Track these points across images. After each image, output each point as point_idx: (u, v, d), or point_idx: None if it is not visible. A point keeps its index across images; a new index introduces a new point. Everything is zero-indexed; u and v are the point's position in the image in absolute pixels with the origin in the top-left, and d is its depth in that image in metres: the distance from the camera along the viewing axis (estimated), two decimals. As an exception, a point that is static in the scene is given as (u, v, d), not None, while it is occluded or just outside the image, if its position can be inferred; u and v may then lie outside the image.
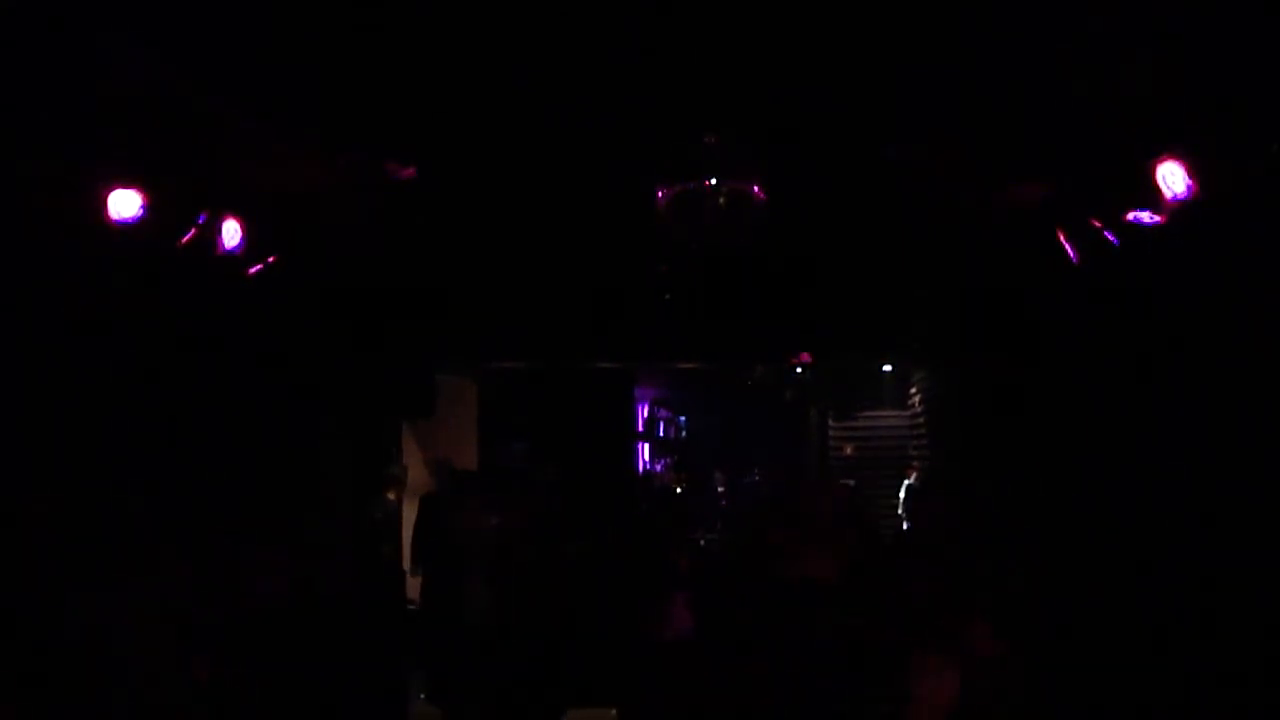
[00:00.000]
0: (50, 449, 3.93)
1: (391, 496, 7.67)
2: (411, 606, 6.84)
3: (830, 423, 10.94)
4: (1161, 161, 3.73)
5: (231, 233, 4.57)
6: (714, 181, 4.51)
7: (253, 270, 4.88)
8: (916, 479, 9.34)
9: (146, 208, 4.04)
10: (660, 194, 4.58)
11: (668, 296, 6.80)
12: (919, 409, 9.50)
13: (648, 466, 14.48)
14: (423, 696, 5.87)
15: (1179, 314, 4.17)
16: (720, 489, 14.02)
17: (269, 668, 4.18)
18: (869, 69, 3.80)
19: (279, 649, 4.22)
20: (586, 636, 4.90)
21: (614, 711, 4.93)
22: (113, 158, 3.93)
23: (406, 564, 7.37)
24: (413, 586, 7.21)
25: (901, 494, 9.64)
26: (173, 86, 3.65)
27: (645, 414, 14.79)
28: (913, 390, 9.78)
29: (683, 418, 17.93)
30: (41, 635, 3.58)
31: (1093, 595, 4.47)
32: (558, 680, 4.49)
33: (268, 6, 3.37)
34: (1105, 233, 4.24)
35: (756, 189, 4.57)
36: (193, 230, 4.38)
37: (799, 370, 10.68)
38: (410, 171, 4.71)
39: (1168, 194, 3.72)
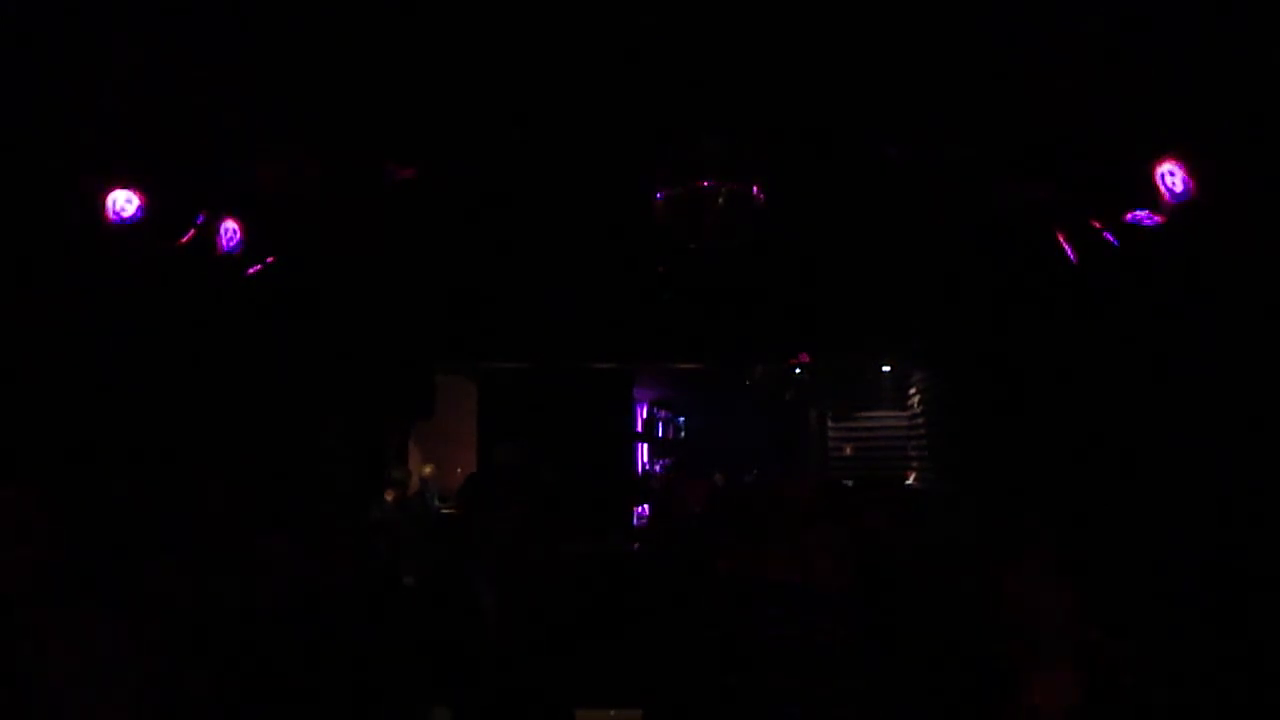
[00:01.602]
0: (49, 450, 3.93)
1: (389, 498, 7.70)
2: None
3: (830, 423, 10.93)
4: (1161, 162, 3.73)
5: (231, 233, 4.58)
6: (713, 181, 4.51)
7: (252, 270, 4.88)
8: (915, 480, 9.35)
9: (146, 208, 4.04)
10: (660, 194, 4.58)
11: (668, 296, 6.80)
12: (918, 409, 9.51)
13: (647, 466, 14.49)
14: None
15: (1179, 314, 4.17)
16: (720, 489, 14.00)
17: (270, 670, 4.17)
18: (870, 69, 3.81)
19: (280, 651, 4.22)
20: (608, 636, 4.90)
21: (612, 713, 4.92)
22: (113, 158, 3.94)
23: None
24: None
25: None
26: (175, 87, 3.65)
27: (645, 414, 14.80)
28: (912, 390, 9.78)
29: (682, 418, 17.94)
30: (38, 638, 3.57)
31: (1094, 595, 4.47)
32: (567, 681, 4.50)
33: (268, 7, 3.37)
34: (1105, 233, 4.24)
35: (756, 189, 4.57)
36: (192, 230, 4.38)
37: (799, 370, 10.69)
38: (410, 172, 4.71)
39: (1167, 194, 3.73)
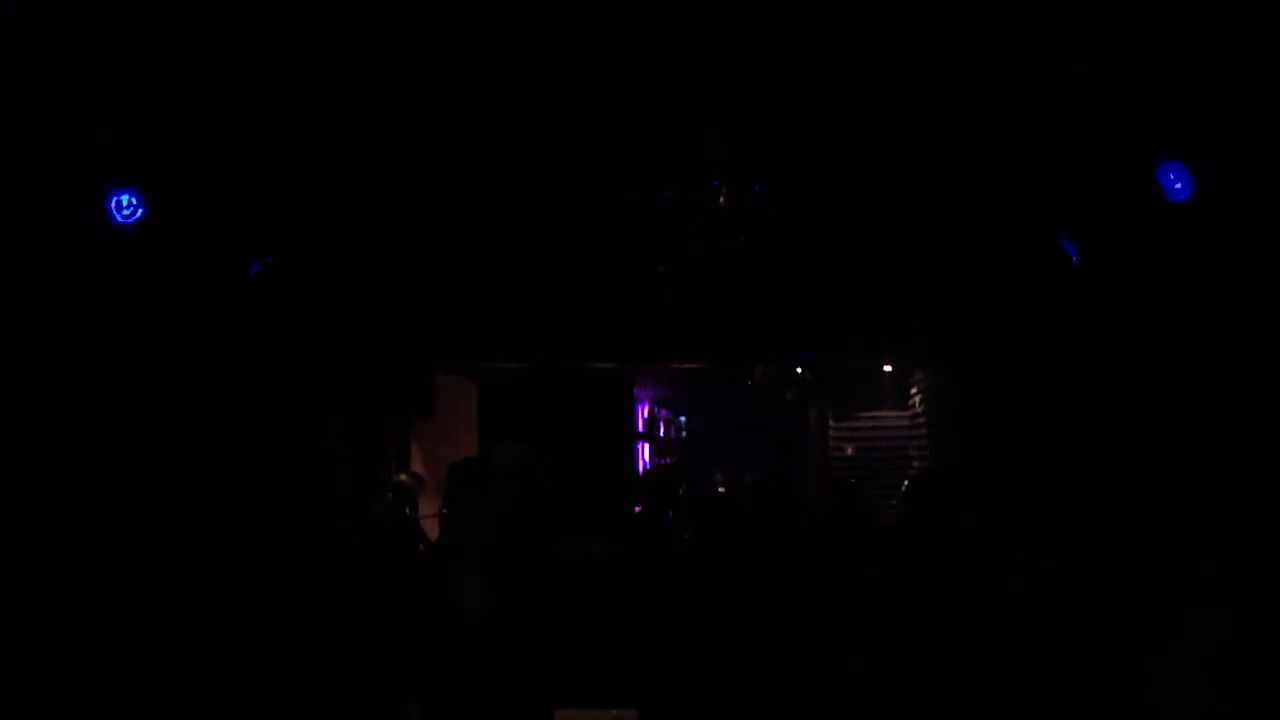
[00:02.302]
0: (48, 451, 3.93)
1: (390, 495, 7.65)
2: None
3: (830, 423, 10.91)
4: (1162, 162, 3.73)
5: (231, 233, 4.58)
6: (714, 181, 4.51)
7: (253, 270, 4.88)
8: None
9: (148, 208, 4.04)
10: (660, 194, 4.58)
11: (668, 296, 6.80)
12: (919, 409, 9.49)
13: (647, 467, 14.47)
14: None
15: (1179, 315, 4.16)
16: (720, 489, 14.03)
17: (271, 669, 4.18)
18: (870, 67, 3.81)
19: (281, 650, 4.22)
20: (607, 636, 4.91)
21: (615, 713, 4.93)
22: (115, 157, 3.94)
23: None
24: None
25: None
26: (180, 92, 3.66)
27: (645, 414, 14.78)
28: (913, 390, 9.77)
29: (683, 418, 17.93)
30: (42, 635, 3.58)
31: (1090, 598, 4.47)
32: (556, 680, 4.49)
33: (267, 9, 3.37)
34: (1105, 233, 4.24)
35: (756, 188, 4.57)
36: (193, 230, 4.38)
37: (799, 370, 10.67)
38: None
39: (1168, 194, 3.72)
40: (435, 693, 4.06)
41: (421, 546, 7.31)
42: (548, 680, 4.21)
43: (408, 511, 8.15)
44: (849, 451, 10.64)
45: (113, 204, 3.96)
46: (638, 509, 10.38)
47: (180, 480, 4.59)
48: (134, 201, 3.98)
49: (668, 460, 15.49)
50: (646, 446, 14.81)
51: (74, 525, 3.86)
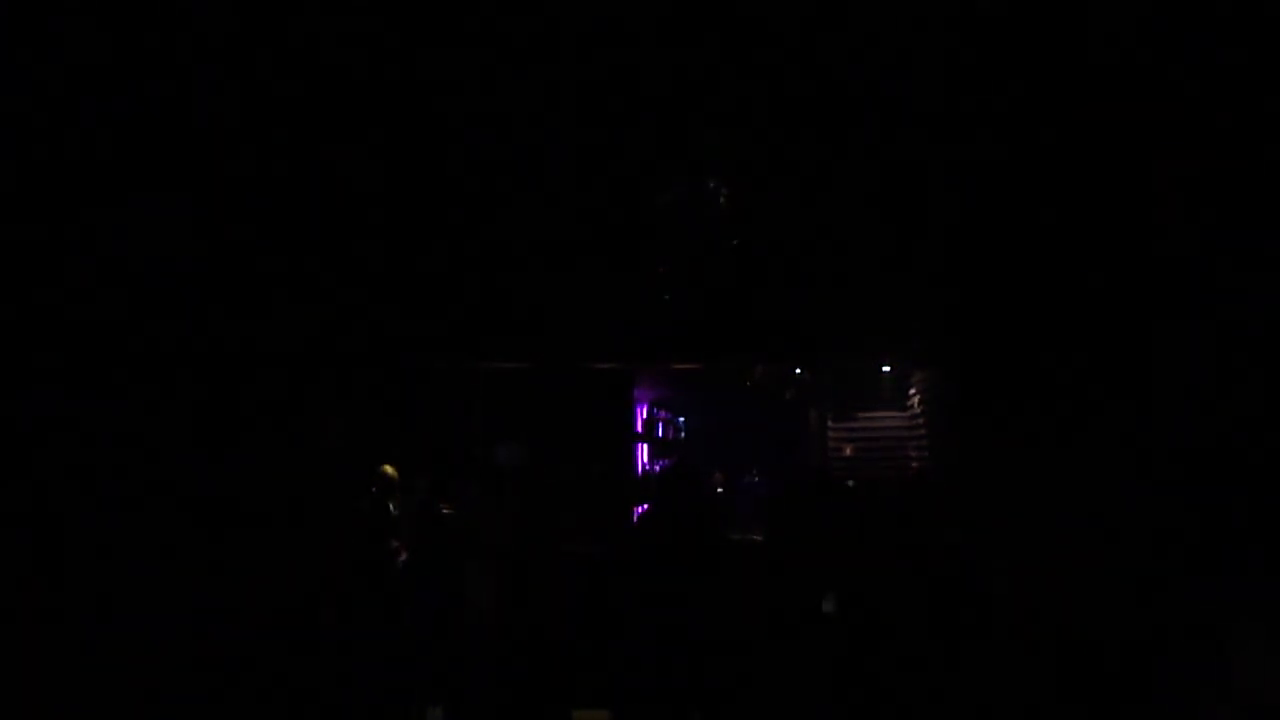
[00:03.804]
0: (45, 449, 3.93)
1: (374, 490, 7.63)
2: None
3: (830, 423, 10.94)
4: (1162, 161, 3.73)
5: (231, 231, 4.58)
6: (714, 181, 4.52)
7: (253, 270, 4.88)
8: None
9: (151, 209, 4.05)
10: (660, 194, 4.58)
11: (668, 296, 6.81)
12: (919, 409, 9.51)
13: (647, 467, 14.47)
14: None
15: (1179, 315, 4.17)
16: (719, 489, 14.02)
17: (274, 669, 4.18)
18: (870, 68, 3.81)
19: (285, 649, 4.23)
20: (603, 636, 4.91)
21: (609, 713, 4.93)
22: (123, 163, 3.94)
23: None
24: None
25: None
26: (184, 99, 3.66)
27: (645, 414, 14.79)
28: (912, 390, 9.79)
29: (682, 418, 17.94)
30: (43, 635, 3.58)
31: (1090, 598, 4.47)
32: (565, 680, 4.49)
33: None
34: (1104, 233, 4.24)
35: (756, 189, 4.58)
36: (193, 230, 4.38)
37: (799, 370, 10.70)
38: None
39: (1167, 193, 3.73)
40: (456, 693, 4.06)
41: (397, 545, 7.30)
42: (564, 680, 4.21)
43: (391, 508, 8.13)
44: (848, 451, 10.67)
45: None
46: (641, 508, 10.39)
47: (180, 481, 4.59)
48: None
49: (671, 460, 15.50)
50: (646, 446, 14.81)
51: (71, 525, 3.87)
